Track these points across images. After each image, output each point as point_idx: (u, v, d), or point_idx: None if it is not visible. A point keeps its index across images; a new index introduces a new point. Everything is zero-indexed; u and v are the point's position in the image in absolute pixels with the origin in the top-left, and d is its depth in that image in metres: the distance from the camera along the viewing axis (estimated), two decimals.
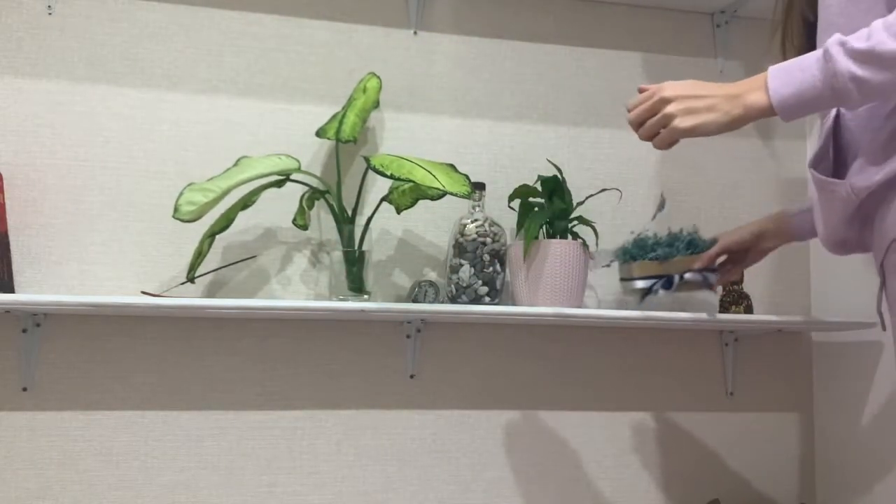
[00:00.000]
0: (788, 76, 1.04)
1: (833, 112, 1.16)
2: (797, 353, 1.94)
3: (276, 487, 1.66)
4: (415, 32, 1.83)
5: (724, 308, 1.74)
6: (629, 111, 1.17)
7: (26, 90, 1.64)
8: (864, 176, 1.07)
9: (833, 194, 1.12)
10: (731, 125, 1.08)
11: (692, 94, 1.10)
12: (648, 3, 1.92)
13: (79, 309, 1.48)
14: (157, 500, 1.61)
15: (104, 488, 1.59)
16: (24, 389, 1.58)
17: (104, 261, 1.64)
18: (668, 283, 1.50)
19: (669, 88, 1.11)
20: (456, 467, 1.74)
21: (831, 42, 1.00)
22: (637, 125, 1.15)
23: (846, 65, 0.99)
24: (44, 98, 1.65)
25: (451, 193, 1.43)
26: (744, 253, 1.54)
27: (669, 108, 1.10)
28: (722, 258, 1.55)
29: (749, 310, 1.73)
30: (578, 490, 1.78)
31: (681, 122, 1.09)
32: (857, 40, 0.99)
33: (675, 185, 1.91)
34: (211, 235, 1.56)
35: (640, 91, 1.16)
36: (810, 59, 1.03)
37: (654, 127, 1.13)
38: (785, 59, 1.11)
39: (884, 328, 1.18)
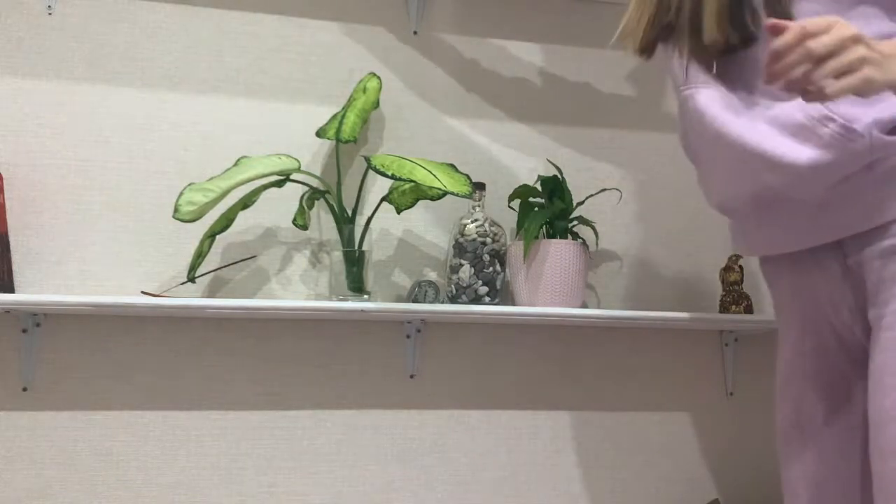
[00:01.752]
0: None
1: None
2: None
3: (276, 487, 1.66)
4: (415, 32, 1.83)
5: (724, 308, 1.74)
6: (803, 42, 0.89)
7: (26, 90, 1.64)
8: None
9: (856, 148, 0.98)
10: None
11: (883, 47, 0.90)
12: None
13: (79, 309, 1.48)
14: (157, 500, 1.61)
15: (104, 488, 1.59)
16: (24, 389, 1.58)
17: (104, 261, 1.64)
18: None
19: (849, 27, 0.90)
20: (456, 467, 1.74)
21: None
22: (817, 59, 0.89)
23: None
24: (44, 98, 1.65)
25: (452, 193, 1.44)
26: None
27: (862, 51, 0.88)
28: None
29: (749, 310, 1.73)
30: (578, 490, 1.78)
31: (872, 71, 0.88)
32: None
33: (674, 185, 1.91)
34: (211, 235, 1.56)
35: (775, 29, 0.90)
36: None
37: (845, 64, 0.88)
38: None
39: None
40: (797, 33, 0.88)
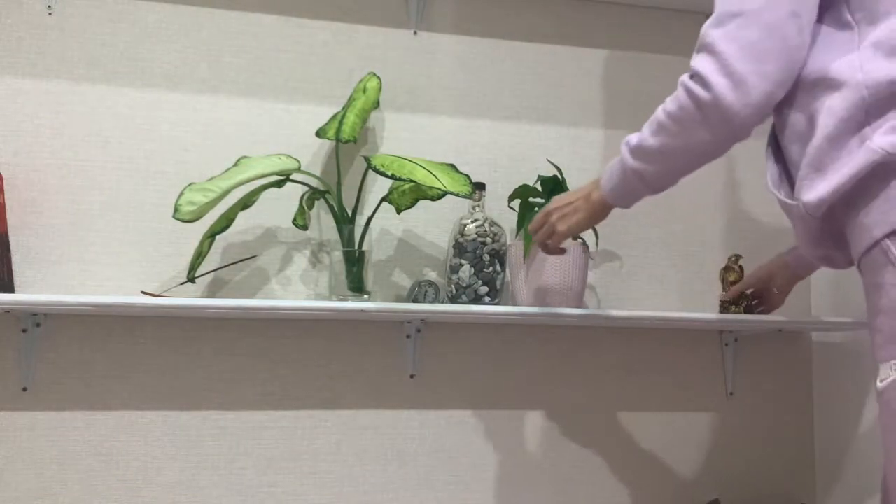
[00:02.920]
0: (610, 173, 1.24)
1: (770, 132, 1.20)
2: (797, 353, 1.94)
3: (276, 487, 1.66)
4: (415, 32, 1.83)
5: (723, 308, 1.74)
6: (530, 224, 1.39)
7: (26, 90, 1.64)
8: (811, 192, 1.05)
9: (794, 214, 1.12)
10: (593, 218, 1.30)
11: (564, 203, 1.32)
12: (648, 3, 1.92)
13: (79, 309, 1.48)
14: (157, 500, 1.61)
15: (104, 488, 1.59)
16: (24, 389, 1.58)
17: (104, 261, 1.64)
18: None
19: (552, 203, 1.35)
20: (456, 467, 1.74)
21: (624, 140, 1.20)
22: (534, 235, 1.38)
23: (629, 161, 1.19)
24: (44, 98, 1.65)
25: (452, 193, 1.44)
26: (765, 292, 1.69)
27: (552, 218, 1.34)
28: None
29: (749, 310, 1.73)
30: (579, 490, 1.78)
31: (559, 226, 1.32)
32: (635, 135, 1.18)
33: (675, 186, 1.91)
34: (211, 235, 1.56)
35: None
36: (618, 157, 1.22)
37: (544, 234, 1.36)
38: None
39: None
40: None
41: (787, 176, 1.15)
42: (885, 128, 0.98)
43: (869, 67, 1.00)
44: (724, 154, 1.16)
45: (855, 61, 1.01)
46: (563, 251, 1.39)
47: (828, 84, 1.03)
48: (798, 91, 1.08)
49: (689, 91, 1.08)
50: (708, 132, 1.09)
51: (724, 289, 1.76)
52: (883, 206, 0.99)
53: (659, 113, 1.14)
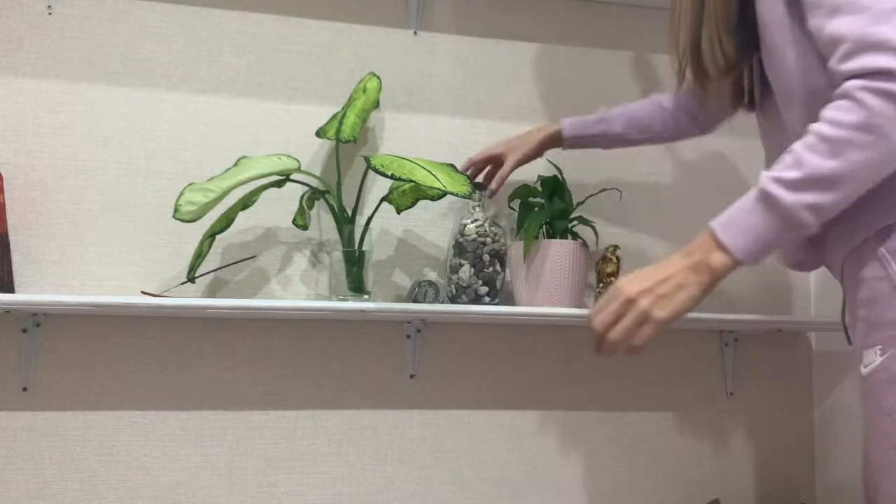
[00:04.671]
0: (738, 226, 1.03)
1: (772, 135, 1.20)
2: (797, 353, 1.94)
3: (276, 487, 1.66)
4: (415, 32, 1.83)
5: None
6: (593, 322, 1.09)
7: (26, 90, 1.64)
8: None
9: None
10: (706, 292, 1.07)
11: (655, 282, 1.06)
12: (648, 3, 1.92)
13: (79, 309, 1.48)
14: (157, 500, 1.61)
15: (104, 488, 1.59)
16: (24, 389, 1.58)
17: (104, 261, 1.64)
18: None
19: (628, 286, 1.07)
20: (456, 467, 1.74)
21: (764, 181, 1.01)
22: (605, 332, 1.08)
23: (793, 198, 0.99)
24: (44, 98, 1.65)
25: (452, 193, 1.43)
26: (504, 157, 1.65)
27: (642, 305, 1.05)
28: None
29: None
30: (578, 490, 1.78)
31: (660, 313, 1.05)
32: (788, 169, 0.99)
33: (674, 185, 1.91)
34: (211, 235, 1.56)
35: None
36: (749, 204, 1.03)
37: (632, 329, 1.06)
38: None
39: (849, 342, 1.16)
40: (592, 322, 1.09)
41: None
42: None
43: None
44: None
45: None
46: (642, 350, 1.11)
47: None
48: (817, 97, 1.07)
49: (882, 91, 0.95)
50: None
51: (599, 280, 1.73)
52: (870, 209, 1.04)
53: (829, 131, 0.97)
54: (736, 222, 1.04)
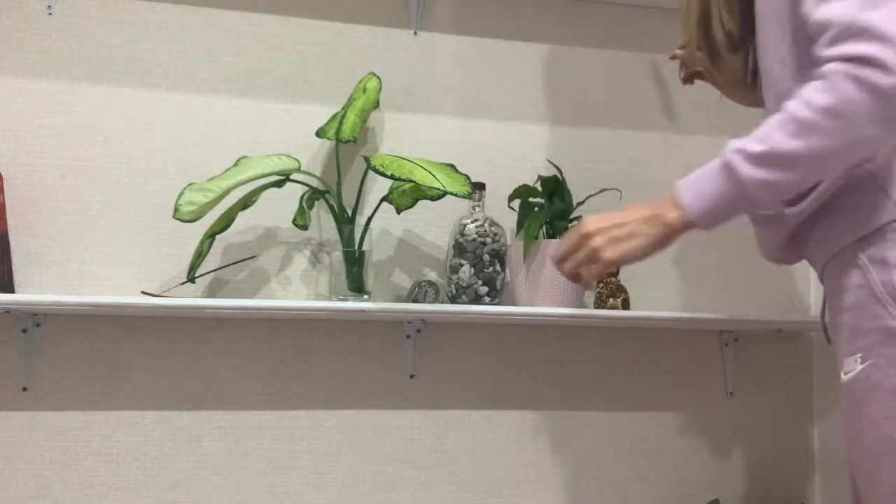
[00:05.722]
0: (698, 190, 1.04)
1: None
2: (797, 353, 1.94)
3: (276, 487, 1.66)
4: (415, 32, 1.83)
5: (601, 302, 1.71)
6: (555, 258, 1.18)
7: (26, 90, 1.64)
8: (797, 206, 1.11)
9: (768, 222, 1.17)
10: (656, 246, 1.09)
11: (612, 224, 1.11)
12: (649, 3, 1.92)
13: (79, 309, 1.48)
14: (157, 500, 1.61)
15: (104, 488, 1.59)
16: (24, 389, 1.58)
17: (104, 261, 1.64)
18: None
19: (589, 223, 1.12)
20: (456, 467, 1.74)
21: (729, 150, 1.01)
22: (562, 262, 1.16)
23: (750, 172, 0.99)
24: (44, 98, 1.65)
25: (452, 193, 1.44)
26: None
27: (595, 242, 1.11)
28: None
29: (626, 304, 1.70)
30: (578, 490, 1.78)
31: (608, 254, 1.10)
32: (754, 142, 0.99)
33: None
34: (211, 235, 1.56)
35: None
36: (713, 169, 1.03)
37: (582, 262, 1.13)
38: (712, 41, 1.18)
39: (829, 341, 1.17)
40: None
41: None
42: None
43: None
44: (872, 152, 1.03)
45: None
46: (591, 286, 1.20)
47: None
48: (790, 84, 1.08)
49: (858, 79, 0.92)
50: (879, 126, 0.93)
51: (599, 280, 1.72)
52: (851, 215, 1.05)
53: (799, 111, 0.96)
54: (698, 185, 1.05)
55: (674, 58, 1.37)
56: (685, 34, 1.26)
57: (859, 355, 1.02)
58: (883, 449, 1.00)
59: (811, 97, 0.96)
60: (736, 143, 1.01)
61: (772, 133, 0.98)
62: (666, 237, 1.08)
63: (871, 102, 0.92)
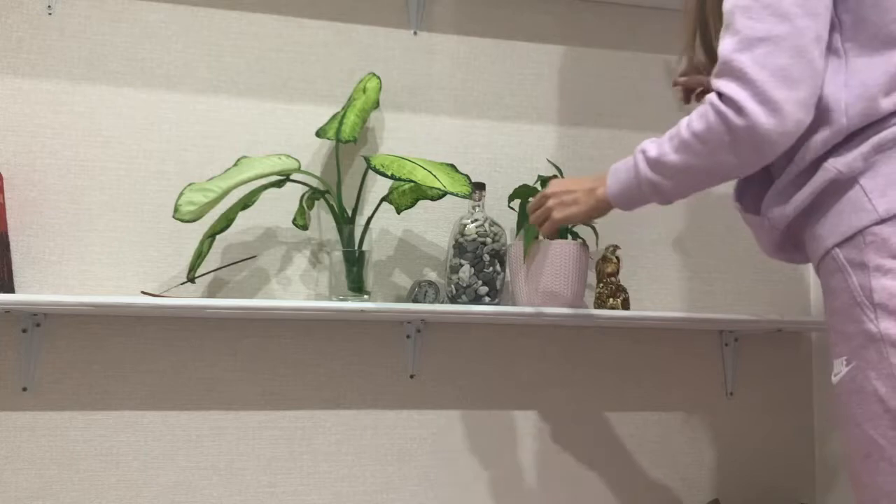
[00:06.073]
0: (618, 176, 1.21)
1: None
2: (797, 353, 1.94)
3: (276, 487, 1.66)
4: (415, 32, 1.83)
5: (601, 302, 1.71)
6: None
7: (26, 90, 1.64)
8: (777, 210, 1.14)
9: (755, 224, 1.21)
10: (591, 214, 1.29)
11: (564, 190, 1.32)
12: (648, 3, 1.92)
13: (79, 309, 1.48)
14: (157, 500, 1.61)
15: (104, 488, 1.59)
16: (24, 389, 1.58)
17: (104, 261, 1.64)
18: None
19: (550, 186, 1.35)
20: (456, 467, 1.74)
21: (638, 147, 1.17)
22: (530, 214, 1.39)
23: (644, 171, 1.15)
24: (44, 98, 1.65)
25: (452, 193, 1.44)
26: None
27: (549, 203, 1.34)
28: None
29: (626, 303, 1.71)
30: (578, 490, 1.78)
31: (556, 215, 1.32)
32: (654, 146, 1.14)
33: None
34: (211, 235, 1.56)
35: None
36: (630, 161, 1.19)
37: (539, 218, 1.36)
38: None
39: None
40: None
41: (749, 188, 1.21)
42: (843, 149, 1.05)
43: (852, 98, 1.04)
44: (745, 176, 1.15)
45: (841, 90, 1.04)
46: (552, 233, 1.39)
47: (818, 109, 1.05)
48: None
49: (720, 114, 1.04)
50: (735, 156, 1.06)
51: (599, 280, 1.74)
52: (834, 218, 1.07)
53: (683, 130, 1.09)
54: (618, 172, 1.22)
55: (676, 85, 1.42)
56: (686, 38, 1.28)
57: (845, 358, 1.05)
58: (868, 451, 1.01)
59: (691, 119, 1.09)
60: (644, 143, 1.16)
61: (664, 142, 1.13)
62: (598, 209, 1.28)
63: (726, 135, 1.04)
